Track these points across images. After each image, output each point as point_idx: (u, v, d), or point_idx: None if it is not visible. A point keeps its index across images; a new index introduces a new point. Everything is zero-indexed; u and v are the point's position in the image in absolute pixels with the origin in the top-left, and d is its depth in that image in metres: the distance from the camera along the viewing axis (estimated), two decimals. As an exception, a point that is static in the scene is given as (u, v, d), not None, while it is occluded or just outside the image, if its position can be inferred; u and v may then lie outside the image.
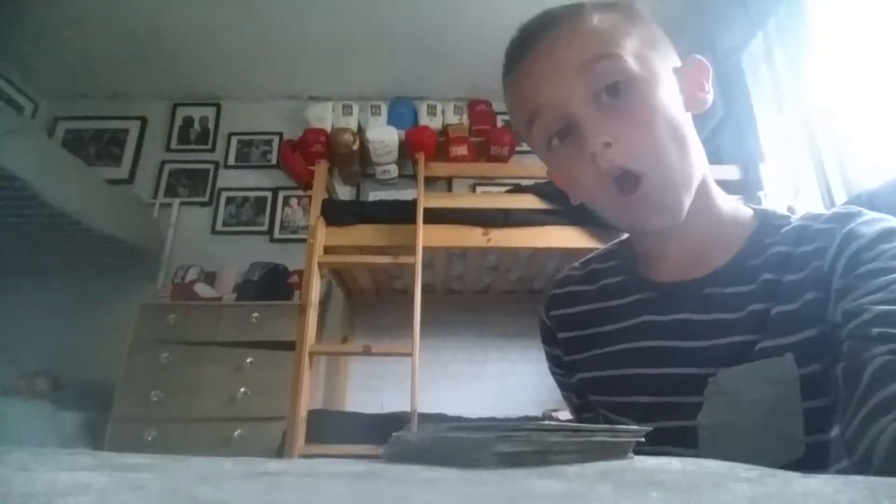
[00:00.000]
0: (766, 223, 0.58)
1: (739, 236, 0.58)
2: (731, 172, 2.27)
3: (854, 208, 0.54)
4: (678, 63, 0.58)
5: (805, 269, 0.52)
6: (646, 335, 0.59)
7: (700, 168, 0.56)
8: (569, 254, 2.13)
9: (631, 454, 0.34)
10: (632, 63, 0.52)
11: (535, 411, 2.35)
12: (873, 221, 0.51)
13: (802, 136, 2.06)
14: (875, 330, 0.42)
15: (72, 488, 0.19)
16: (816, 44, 1.96)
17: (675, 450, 0.39)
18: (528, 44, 0.56)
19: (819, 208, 1.96)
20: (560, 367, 0.71)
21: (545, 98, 0.54)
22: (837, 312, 0.47)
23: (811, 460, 0.49)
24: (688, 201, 0.53)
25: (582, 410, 0.70)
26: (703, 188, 0.57)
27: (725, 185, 2.34)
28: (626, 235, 0.68)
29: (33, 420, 2.15)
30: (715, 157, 2.34)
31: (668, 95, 0.54)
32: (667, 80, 0.55)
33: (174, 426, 2.21)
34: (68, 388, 2.48)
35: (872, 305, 0.44)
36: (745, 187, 2.22)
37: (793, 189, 2.16)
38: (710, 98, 0.58)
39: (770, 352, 0.51)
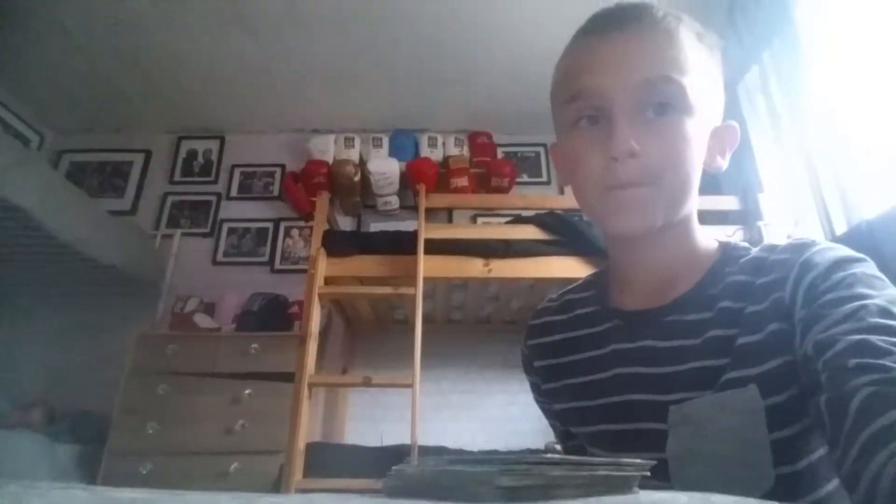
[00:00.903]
0: (728, 254, 0.60)
1: (702, 266, 0.59)
2: (730, 203, 2.28)
3: (808, 239, 0.55)
4: (719, 121, 0.60)
5: (766, 300, 0.53)
6: (614, 363, 0.60)
7: (690, 206, 0.58)
8: (569, 283, 2.12)
9: (636, 488, 0.33)
10: (691, 98, 0.53)
11: (538, 443, 2.30)
12: (826, 250, 0.52)
13: (801, 165, 2.08)
14: (852, 361, 0.42)
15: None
16: (812, 75, 1.99)
17: (649, 481, 0.39)
18: (614, 26, 0.55)
19: (819, 237, 1.97)
20: (541, 396, 0.73)
21: (597, 85, 0.54)
22: (808, 344, 0.47)
23: (783, 491, 0.49)
24: (665, 220, 0.55)
25: (567, 438, 0.71)
26: (685, 221, 0.59)
27: (725, 216, 2.36)
28: (603, 266, 0.70)
29: (28, 452, 2.11)
30: (713, 188, 2.36)
31: (701, 141, 0.56)
32: (706, 128, 0.57)
33: (170, 459, 2.17)
34: (63, 420, 2.44)
35: (843, 336, 0.44)
36: (744, 217, 2.23)
37: (792, 219, 2.17)
38: (724, 166, 0.60)
39: (734, 383, 0.51)
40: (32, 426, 2.33)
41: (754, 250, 0.59)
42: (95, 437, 2.30)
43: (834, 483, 0.51)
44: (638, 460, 0.33)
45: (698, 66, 0.55)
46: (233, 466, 2.16)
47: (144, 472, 2.13)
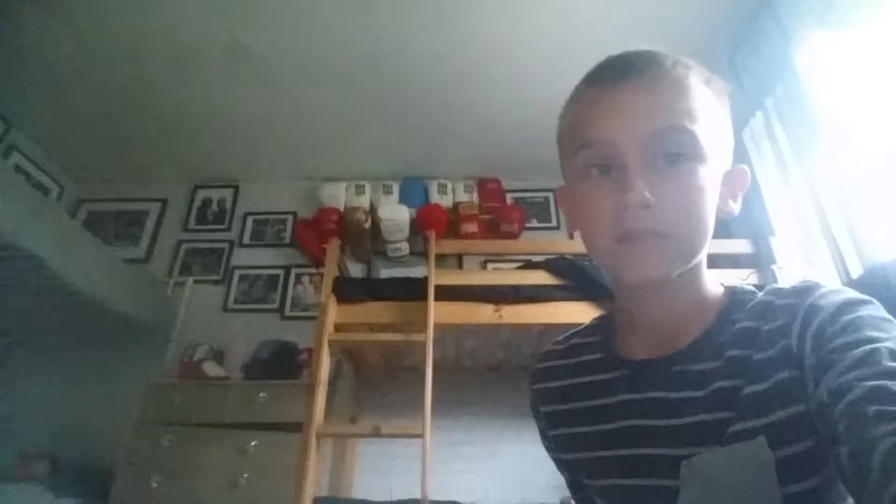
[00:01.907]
0: (734, 299, 0.58)
1: (710, 313, 0.58)
2: (742, 246, 2.27)
3: (812, 282, 0.54)
4: (729, 165, 0.60)
5: (773, 347, 0.51)
6: (622, 415, 0.58)
7: (704, 251, 0.57)
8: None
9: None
10: (704, 145, 0.53)
11: (553, 498, 2.22)
12: (831, 294, 0.51)
13: (811, 208, 2.07)
14: (871, 409, 0.40)
15: None
16: (817, 119, 2.00)
17: None
18: (624, 74, 0.55)
19: (835, 280, 1.94)
20: (548, 442, 0.71)
21: (610, 136, 0.54)
22: (822, 391, 0.45)
23: None
24: (677, 272, 0.54)
25: (577, 488, 0.69)
26: (696, 268, 0.58)
27: (737, 259, 2.34)
28: (609, 310, 0.69)
29: (28, 507, 2.06)
30: (725, 232, 2.34)
31: (714, 188, 0.55)
32: (717, 172, 0.56)
33: (174, 515, 2.10)
34: (66, 473, 2.40)
35: (858, 381, 0.42)
36: (757, 261, 2.20)
37: (806, 262, 2.14)
38: (737, 210, 0.60)
39: (742, 435, 0.50)
40: (36, 478, 2.29)
41: (760, 294, 0.58)
42: (98, 491, 2.25)
43: None
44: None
45: (708, 112, 0.55)
46: (237, 523, 2.09)
47: (147, 528, 2.07)
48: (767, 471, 0.47)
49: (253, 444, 2.23)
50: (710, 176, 0.54)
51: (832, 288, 0.52)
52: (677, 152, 0.53)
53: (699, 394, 0.53)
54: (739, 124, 2.49)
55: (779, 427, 0.48)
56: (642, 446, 0.56)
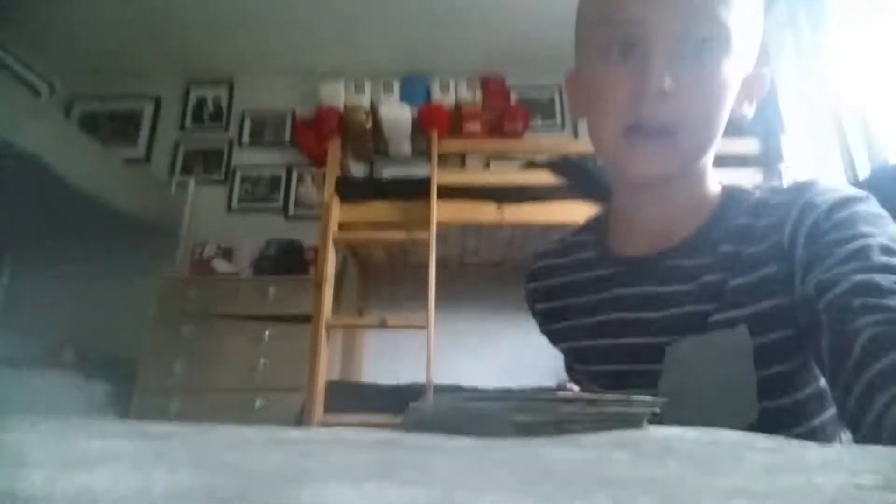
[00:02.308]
0: (731, 198, 0.59)
1: (706, 211, 0.58)
2: (750, 145, 2.22)
3: (809, 180, 0.54)
4: (751, 67, 0.57)
5: (765, 242, 0.52)
6: (615, 307, 0.61)
7: (712, 150, 0.56)
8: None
9: (646, 424, 0.35)
10: (734, 38, 0.51)
11: (550, 382, 2.36)
12: (827, 191, 0.51)
13: (825, 106, 2.00)
14: (856, 301, 0.42)
15: (105, 455, 0.20)
16: (843, 11, 1.88)
17: None
18: None
19: (842, 180, 1.93)
20: (544, 335, 0.75)
21: (640, 14, 0.50)
22: (809, 284, 0.47)
23: (766, 426, 0.49)
24: (683, 170, 0.54)
25: (573, 370, 0.74)
26: (701, 168, 0.58)
27: (744, 158, 2.30)
28: (605, 208, 0.69)
29: (62, 391, 2.22)
30: (734, 130, 2.28)
31: (734, 85, 0.53)
32: (740, 73, 0.54)
33: (197, 397, 2.28)
34: (94, 360, 2.55)
35: (847, 275, 0.44)
36: (765, 160, 2.17)
37: (814, 161, 2.11)
38: (750, 115, 0.58)
39: (723, 323, 0.52)
40: (65, 365, 2.44)
41: (756, 192, 0.58)
42: (126, 376, 2.41)
43: (822, 417, 0.53)
44: (648, 397, 0.34)
45: (743, 5, 0.52)
46: (257, 403, 2.27)
47: (174, 410, 2.24)
48: (746, 356, 0.50)
49: (267, 333, 2.36)
50: (733, 72, 0.52)
51: (829, 185, 0.53)
52: (706, 39, 0.50)
53: (688, 287, 0.55)
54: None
55: (760, 317, 0.51)
56: (631, 336, 0.59)
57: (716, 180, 0.61)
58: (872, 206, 0.49)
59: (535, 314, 0.74)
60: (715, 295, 0.53)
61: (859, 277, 0.43)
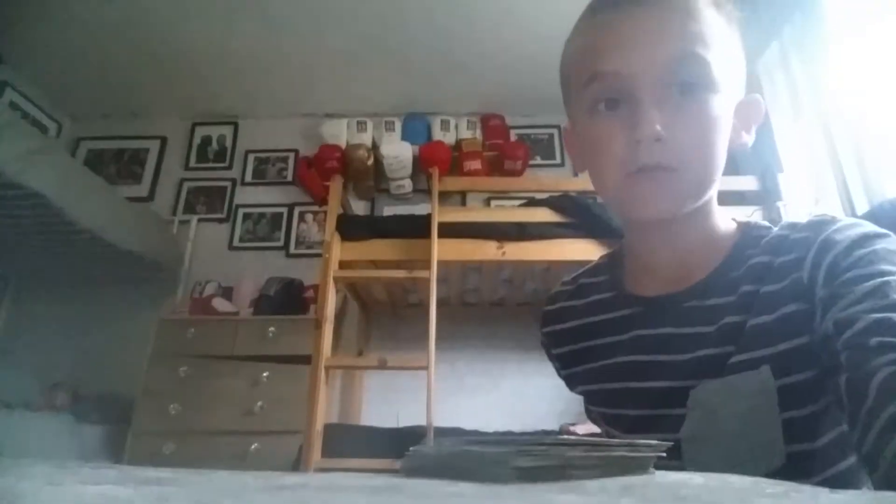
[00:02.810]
0: (748, 235, 0.58)
1: (722, 249, 0.58)
2: (749, 183, 2.25)
3: (828, 216, 0.54)
4: (742, 95, 0.58)
5: (784, 280, 0.52)
6: (635, 350, 0.59)
7: (715, 186, 0.56)
8: (583, 266, 2.12)
9: (652, 469, 0.34)
10: (716, 74, 0.51)
11: (553, 425, 2.32)
12: (847, 227, 0.51)
13: (822, 143, 2.03)
14: (873, 340, 0.41)
15: (99, 501, 0.19)
16: (834, 49, 1.94)
17: (661, 462, 0.39)
18: (630, 1, 0.52)
19: (841, 217, 1.93)
20: (563, 380, 0.72)
21: (622, 68, 0.51)
22: (828, 323, 0.46)
23: (794, 470, 0.48)
24: (688, 208, 0.54)
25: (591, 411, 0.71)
26: (706, 204, 0.57)
27: (743, 196, 2.32)
28: (617, 248, 0.69)
29: (54, 433, 2.18)
30: (732, 168, 2.31)
31: (727, 120, 0.54)
32: (731, 103, 0.55)
33: (192, 439, 2.23)
34: (88, 402, 2.51)
35: (865, 314, 0.43)
36: (763, 198, 2.19)
37: (812, 198, 2.13)
38: (750, 142, 0.58)
39: (745, 365, 0.51)
40: (58, 407, 2.40)
41: (775, 229, 0.57)
42: (119, 418, 2.37)
43: (848, 462, 0.51)
44: (654, 441, 0.33)
45: (720, 38, 0.53)
46: (253, 446, 2.22)
47: (168, 451, 2.19)
48: (769, 398, 0.49)
49: (265, 374, 2.33)
50: (723, 107, 0.53)
51: (849, 221, 0.52)
52: (690, 81, 0.51)
53: (709, 329, 0.54)
54: (754, 55, 2.41)
55: (782, 357, 0.49)
56: (651, 379, 0.57)
57: (728, 217, 0.61)
58: (893, 244, 0.48)
59: (553, 359, 0.72)
60: (734, 336, 0.52)
61: (876, 316, 0.42)
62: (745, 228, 0.59)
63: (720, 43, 0.53)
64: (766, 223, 0.60)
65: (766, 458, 0.49)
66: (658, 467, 0.36)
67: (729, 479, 0.30)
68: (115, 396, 2.53)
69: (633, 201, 0.53)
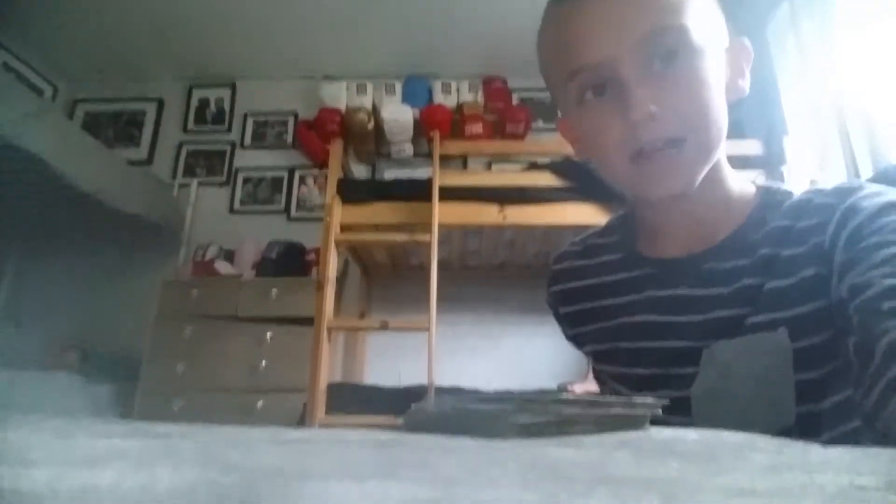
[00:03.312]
0: (768, 199, 0.58)
1: (741, 212, 0.58)
2: (753, 147, 2.22)
3: (856, 182, 0.53)
4: (727, 42, 0.57)
5: (805, 244, 0.52)
6: (647, 309, 0.60)
7: (723, 145, 0.55)
8: (584, 230, 2.12)
9: (648, 426, 0.35)
10: (694, 36, 0.50)
11: (551, 384, 2.36)
12: (874, 195, 0.50)
13: (828, 108, 2.00)
14: (886, 304, 0.42)
15: (109, 454, 0.20)
16: (845, 12, 1.88)
17: (669, 417, 0.40)
18: None
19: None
20: (568, 341, 0.73)
21: (597, 57, 0.51)
22: (843, 287, 0.46)
23: (802, 429, 0.50)
24: (703, 174, 0.53)
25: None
26: (715, 166, 0.56)
27: (747, 161, 2.30)
28: (626, 210, 0.68)
29: (65, 392, 2.22)
30: (736, 131, 2.27)
31: (717, 72, 0.53)
32: (717, 57, 0.54)
33: (199, 396, 2.28)
34: (97, 361, 2.56)
35: (880, 279, 0.43)
36: (767, 162, 2.17)
37: (817, 163, 2.11)
38: (747, 87, 0.57)
39: (761, 326, 0.51)
40: (67, 367, 2.45)
41: (798, 194, 0.57)
42: (128, 376, 2.42)
43: (853, 424, 0.52)
44: (650, 399, 0.34)
45: None
46: (259, 403, 2.27)
47: (176, 408, 2.25)
48: (785, 359, 0.50)
49: (269, 334, 2.36)
50: (711, 64, 0.52)
51: (877, 189, 0.51)
52: (670, 50, 0.50)
53: (726, 290, 0.55)
54: (764, 18, 2.34)
55: (799, 320, 0.50)
56: (664, 339, 0.58)
57: (746, 181, 0.60)
58: None
59: (560, 318, 0.72)
60: (751, 298, 0.53)
61: (891, 282, 0.43)
62: (765, 192, 0.59)
63: (689, 3, 0.51)
64: (788, 188, 0.59)
65: (776, 418, 0.50)
66: (667, 424, 0.37)
67: (723, 434, 0.31)
68: (122, 356, 2.58)
69: (648, 183, 0.53)
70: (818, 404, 0.50)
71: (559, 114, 0.64)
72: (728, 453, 0.24)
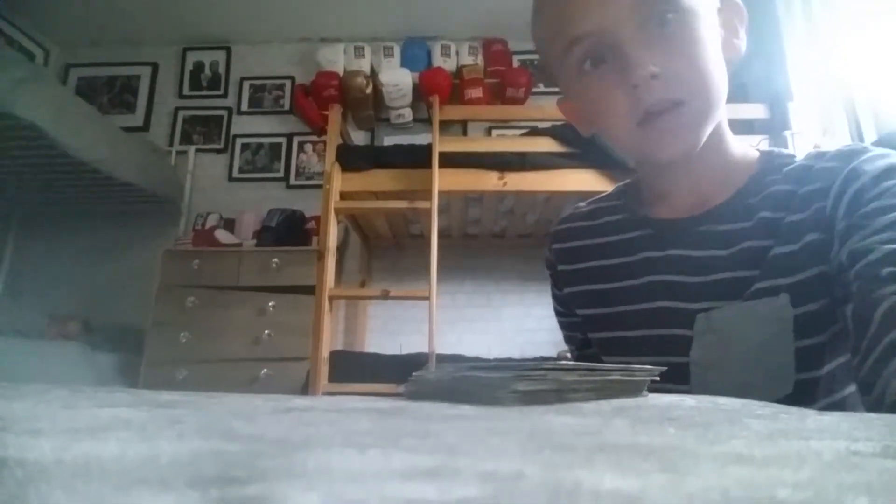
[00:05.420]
0: (770, 163, 0.58)
1: (742, 176, 0.57)
2: (757, 111, 2.19)
3: (859, 145, 0.53)
4: (717, 2, 0.56)
5: (807, 209, 0.51)
6: (643, 272, 0.60)
7: (723, 107, 0.55)
8: (586, 197, 2.10)
9: (645, 392, 0.35)
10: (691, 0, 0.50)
11: (551, 352, 2.39)
12: (877, 158, 0.49)
13: (834, 73, 1.96)
14: (884, 270, 0.42)
15: (113, 423, 0.20)
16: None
17: (668, 385, 0.40)
18: None
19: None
20: (559, 304, 0.73)
21: (592, 25, 0.51)
22: (843, 252, 0.46)
23: (798, 396, 0.50)
24: (706, 135, 0.53)
25: (584, 346, 0.72)
26: (717, 128, 0.56)
27: (751, 125, 2.28)
28: (633, 178, 0.68)
29: (70, 362, 2.25)
30: (741, 96, 2.25)
31: (711, 33, 0.53)
32: (710, 17, 0.54)
33: (203, 366, 2.31)
34: (100, 331, 2.58)
35: (880, 245, 0.43)
36: (771, 126, 2.14)
37: (821, 128, 2.08)
38: (743, 46, 0.56)
39: (765, 292, 0.51)
40: (70, 337, 2.47)
41: (800, 158, 0.56)
42: (132, 346, 2.44)
43: (849, 390, 0.52)
44: (648, 366, 0.34)
45: None
46: (263, 372, 2.30)
47: (181, 377, 2.28)
48: (785, 326, 0.50)
49: (271, 304, 2.38)
50: (704, 25, 0.51)
51: (880, 152, 0.50)
52: (663, 13, 0.50)
53: (724, 252, 0.55)
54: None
55: (802, 286, 0.50)
56: (661, 300, 0.58)
57: (748, 146, 0.60)
58: None
59: (556, 277, 0.72)
60: (757, 261, 0.53)
61: (891, 248, 0.43)
62: (766, 157, 0.59)
63: None
64: (790, 152, 0.59)
65: (775, 384, 0.51)
66: (665, 391, 0.37)
67: (719, 400, 0.31)
68: (126, 326, 2.60)
69: (654, 147, 0.53)
70: (815, 371, 0.51)
71: (559, 100, 0.64)
72: (725, 420, 0.25)
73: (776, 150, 0.60)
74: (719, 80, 0.52)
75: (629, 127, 0.52)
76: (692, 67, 0.50)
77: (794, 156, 0.57)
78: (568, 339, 0.76)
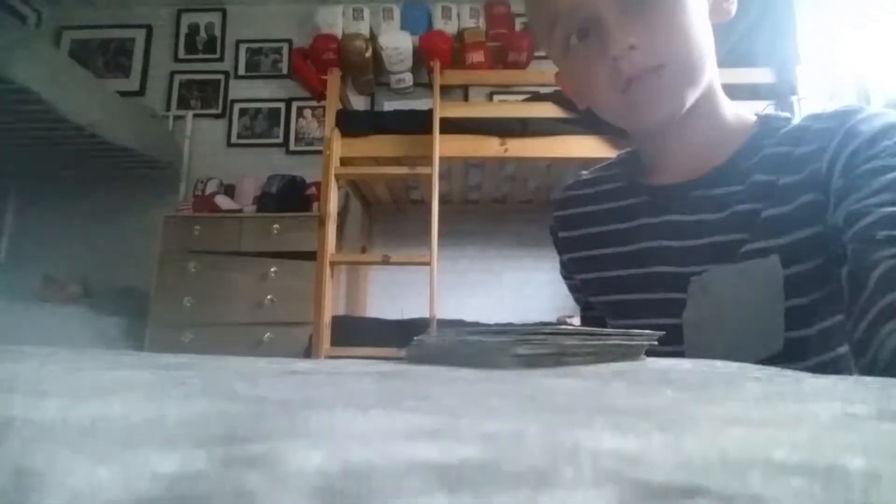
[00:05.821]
0: (767, 126, 0.57)
1: (737, 140, 0.57)
2: (764, 76, 2.14)
3: (856, 105, 0.52)
4: None
5: (803, 170, 0.51)
6: (641, 237, 0.61)
7: (710, 72, 0.54)
8: (588, 163, 2.07)
9: (643, 356, 0.35)
10: None
11: (551, 318, 2.42)
12: (874, 117, 0.49)
13: (842, 36, 1.92)
14: (881, 233, 0.42)
15: (119, 384, 0.20)
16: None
17: (662, 346, 0.41)
18: None
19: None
20: (564, 268, 0.74)
21: (572, 2, 0.52)
22: (839, 214, 0.46)
23: (790, 354, 0.51)
24: (691, 99, 0.52)
25: (587, 308, 0.73)
26: (709, 93, 0.56)
27: (758, 90, 2.23)
28: (634, 146, 0.69)
29: (74, 325, 2.28)
30: (747, 61, 2.20)
31: (695, 1, 0.51)
32: None
33: (208, 330, 2.35)
34: (103, 294, 2.60)
35: (877, 207, 0.43)
36: (778, 91, 2.11)
37: (828, 94, 2.04)
38: (733, 8, 0.56)
39: (756, 253, 0.52)
40: (70, 300, 2.49)
41: (797, 120, 0.56)
42: (135, 311, 2.47)
43: (839, 351, 0.53)
44: (647, 331, 0.35)
45: None
46: (266, 336, 2.34)
47: (186, 340, 2.32)
48: (776, 286, 0.50)
49: (273, 269, 2.40)
50: None
51: (876, 111, 0.50)
52: None
53: (716, 216, 0.55)
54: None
55: (794, 247, 0.50)
56: (656, 265, 0.59)
57: (747, 111, 0.60)
58: None
59: (558, 243, 0.73)
60: (747, 224, 0.53)
61: (888, 210, 0.42)
62: (763, 120, 0.58)
63: None
64: (787, 114, 0.58)
65: (765, 343, 0.51)
66: (660, 353, 0.37)
67: (716, 364, 0.32)
68: (130, 290, 2.62)
69: (635, 113, 0.53)
70: (806, 330, 0.51)
71: (556, 72, 0.65)
72: (722, 383, 0.25)
73: (774, 113, 0.59)
74: (702, 44, 0.51)
75: (614, 96, 0.52)
76: (673, 34, 0.50)
77: (790, 118, 0.57)
78: (576, 300, 0.78)
